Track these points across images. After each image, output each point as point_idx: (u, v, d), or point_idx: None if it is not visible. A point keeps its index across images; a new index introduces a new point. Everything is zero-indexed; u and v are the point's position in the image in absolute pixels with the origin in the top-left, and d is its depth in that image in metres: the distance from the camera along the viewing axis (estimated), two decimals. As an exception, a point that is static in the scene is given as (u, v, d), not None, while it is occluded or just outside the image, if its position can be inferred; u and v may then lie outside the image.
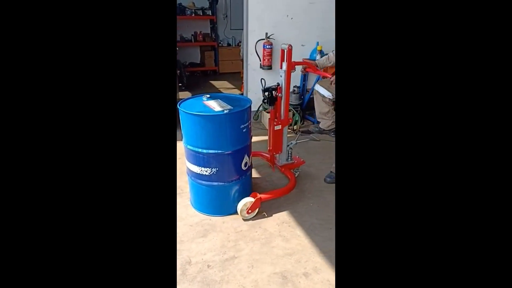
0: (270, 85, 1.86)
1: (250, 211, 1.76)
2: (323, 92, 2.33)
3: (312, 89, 3.20)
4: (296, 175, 2.15)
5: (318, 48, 3.05)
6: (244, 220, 1.79)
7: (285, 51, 1.81)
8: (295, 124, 3.09)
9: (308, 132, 2.90)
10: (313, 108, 3.26)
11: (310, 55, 3.19)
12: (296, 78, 3.34)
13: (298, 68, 3.27)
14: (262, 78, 1.93)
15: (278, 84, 1.88)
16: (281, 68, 1.87)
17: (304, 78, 3.30)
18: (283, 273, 1.42)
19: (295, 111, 3.11)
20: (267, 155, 2.19)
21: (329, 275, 1.41)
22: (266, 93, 1.86)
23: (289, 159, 2.13)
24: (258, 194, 1.78)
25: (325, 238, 1.65)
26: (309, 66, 2.03)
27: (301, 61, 2.12)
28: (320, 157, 2.56)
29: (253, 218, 1.80)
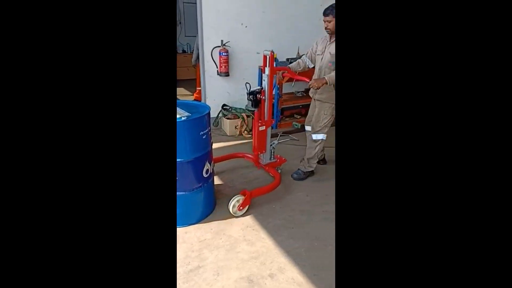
0: (254, 88, 1.99)
1: (241, 207, 1.85)
2: (310, 129, 2.36)
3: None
4: (279, 172, 2.26)
5: (274, 55, 3.17)
6: (236, 216, 1.86)
7: (268, 57, 1.94)
8: (255, 129, 3.16)
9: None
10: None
11: (266, 62, 3.31)
12: (252, 85, 3.41)
13: (253, 75, 3.37)
14: (247, 82, 2.02)
15: (262, 88, 2.01)
16: (264, 72, 2.01)
17: (261, 84, 3.40)
18: (249, 277, 1.43)
19: (254, 117, 3.17)
20: (250, 156, 2.32)
21: (293, 273, 1.46)
22: (251, 96, 1.97)
23: (272, 158, 2.26)
24: (247, 191, 1.86)
25: (288, 237, 1.71)
26: (288, 71, 2.17)
27: (274, 67, 2.24)
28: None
29: (218, 225, 1.78)
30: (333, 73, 2.00)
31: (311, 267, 1.50)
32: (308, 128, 2.36)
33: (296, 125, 3.36)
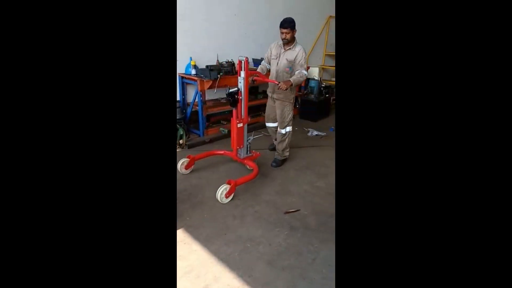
0: (232, 90, 2.27)
1: (228, 195, 2.09)
2: (272, 125, 2.83)
3: (192, 102, 3.24)
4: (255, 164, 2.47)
5: (192, 63, 3.13)
6: (223, 204, 2.06)
7: (242, 62, 2.25)
8: (181, 138, 3.04)
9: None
10: (197, 121, 3.30)
11: (186, 70, 3.23)
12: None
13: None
14: (225, 84, 2.36)
15: (239, 89, 2.29)
16: (240, 76, 2.29)
17: (183, 92, 3.30)
18: (183, 294, 1.36)
19: (179, 126, 3.06)
20: (229, 152, 2.62)
21: (228, 280, 1.45)
22: (230, 97, 2.25)
23: (248, 152, 2.54)
24: (232, 180, 2.11)
25: (221, 245, 1.69)
26: (259, 75, 2.52)
27: (252, 71, 2.59)
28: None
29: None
30: (294, 76, 2.42)
31: (245, 270, 1.52)
32: (269, 124, 2.82)
33: (223, 130, 3.38)
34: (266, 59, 2.65)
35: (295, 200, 2.19)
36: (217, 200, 2.08)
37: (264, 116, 2.93)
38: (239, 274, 1.49)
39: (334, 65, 5.93)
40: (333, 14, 5.48)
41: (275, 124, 2.77)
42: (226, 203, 2.10)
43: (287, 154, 2.79)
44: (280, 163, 2.76)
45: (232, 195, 2.14)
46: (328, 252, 1.66)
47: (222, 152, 2.70)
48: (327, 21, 5.53)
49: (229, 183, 2.10)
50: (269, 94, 2.69)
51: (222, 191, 2.08)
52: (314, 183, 2.47)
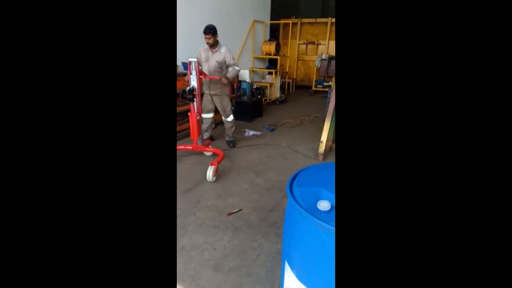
0: (190, 87, 2.61)
1: (215, 174, 2.48)
2: (208, 115, 3.21)
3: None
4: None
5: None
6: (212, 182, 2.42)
7: (193, 63, 2.55)
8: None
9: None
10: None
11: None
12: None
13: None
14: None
15: (194, 86, 2.60)
16: (191, 74, 2.60)
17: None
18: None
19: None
20: (189, 145, 2.86)
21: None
22: (190, 94, 2.58)
23: (203, 141, 2.91)
24: (214, 162, 2.48)
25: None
26: (202, 74, 2.82)
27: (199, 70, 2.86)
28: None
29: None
30: (229, 73, 2.91)
31: (191, 280, 1.46)
32: (205, 115, 3.16)
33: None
34: (198, 61, 3.05)
35: (237, 200, 2.21)
36: (208, 180, 2.44)
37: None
38: (185, 286, 1.43)
39: (262, 67, 6.20)
40: (257, 18, 5.73)
41: (210, 115, 3.20)
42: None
43: (234, 135, 3.39)
44: (235, 142, 3.35)
45: (216, 174, 2.51)
46: (270, 245, 1.72)
47: (182, 147, 2.89)
48: (252, 25, 5.77)
49: (213, 164, 2.45)
50: (207, 91, 3.07)
51: (211, 172, 2.43)
52: (253, 181, 2.53)
